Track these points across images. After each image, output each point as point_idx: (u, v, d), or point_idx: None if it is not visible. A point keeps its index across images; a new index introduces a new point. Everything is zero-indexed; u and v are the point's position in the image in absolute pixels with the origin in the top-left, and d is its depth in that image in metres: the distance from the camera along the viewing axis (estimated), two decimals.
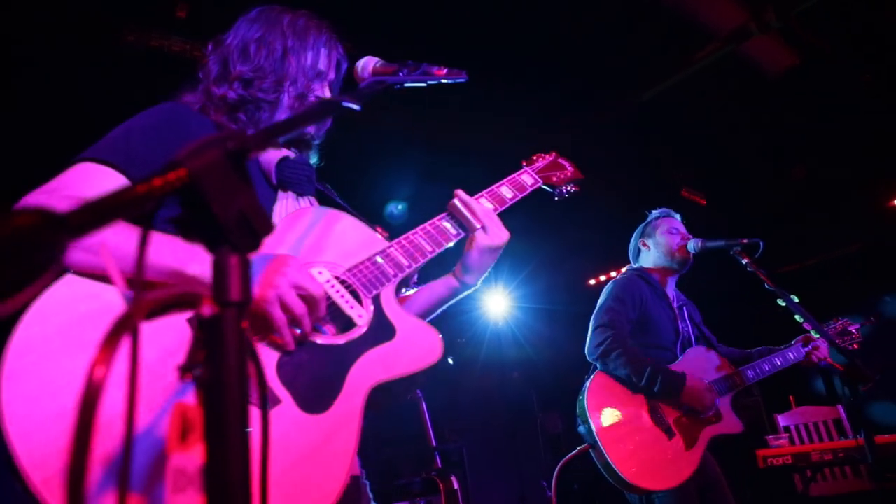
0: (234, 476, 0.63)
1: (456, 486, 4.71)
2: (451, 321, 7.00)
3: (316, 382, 1.33)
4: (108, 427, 1.05)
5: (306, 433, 1.28)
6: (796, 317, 3.13)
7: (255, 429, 1.23)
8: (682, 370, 3.09)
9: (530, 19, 4.36)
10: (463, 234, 1.78)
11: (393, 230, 1.73)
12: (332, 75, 1.81)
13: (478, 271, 1.78)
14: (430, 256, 1.68)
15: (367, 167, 5.30)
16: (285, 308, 1.28)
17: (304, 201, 1.70)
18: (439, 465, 5.09)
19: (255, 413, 1.23)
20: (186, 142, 0.69)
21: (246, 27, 1.74)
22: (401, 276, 1.59)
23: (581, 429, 3.06)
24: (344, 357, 1.40)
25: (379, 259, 1.58)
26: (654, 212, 3.74)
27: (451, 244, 1.76)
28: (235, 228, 0.67)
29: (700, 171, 6.58)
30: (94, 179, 1.37)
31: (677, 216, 3.70)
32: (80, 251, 1.20)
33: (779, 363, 3.32)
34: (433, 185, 5.27)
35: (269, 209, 1.62)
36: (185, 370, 0.67)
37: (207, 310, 0.67)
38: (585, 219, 6.63)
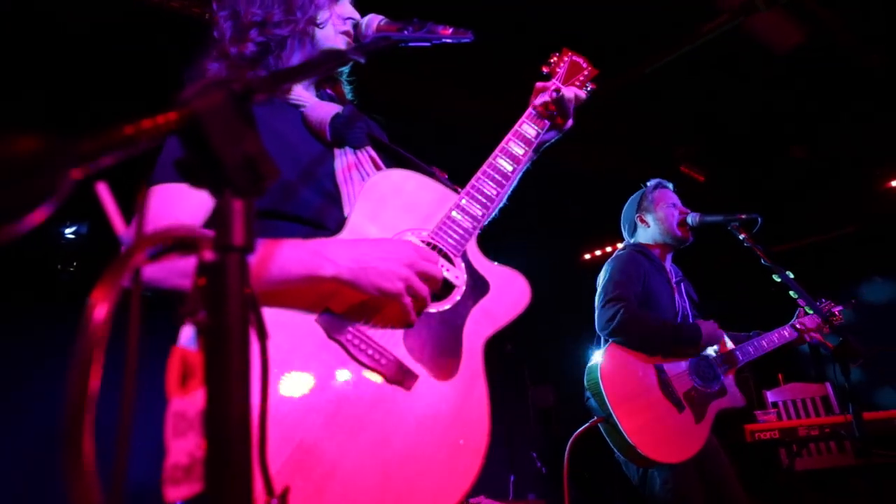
0: (234, 419, 0.63)
1: None
2: None
3: (440, 351, 1.43)
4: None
5: (447, 399, 1.40)
6: (791, 293, 3.14)
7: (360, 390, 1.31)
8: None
9: None
10: (547, 126, 1.86)
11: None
12: None
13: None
14: (500, 198, 1.70)
15: None
16: (413, 293, 1.38)
17: (363, 154, 1.67)
18: None
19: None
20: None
21: None
22: (479, 227, 1.61)
23: (591, 402, 3.02)
24: (454, 319, 1.48)
25: (456, 214, 1.59)
26: (649, 183, 3.69)
27: (532, 148, 1.80)
28: (240, 172, 0.66)
29: (700, 147, 6.55)
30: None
31: (671, 186, 3.66)
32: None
33: (775, 339, 3.31)
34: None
35: (329, 168, 1.60)
36: (184, 315, 0.67)
37: (209, 255, 0.66)
38: (581, 192, 6.60)
